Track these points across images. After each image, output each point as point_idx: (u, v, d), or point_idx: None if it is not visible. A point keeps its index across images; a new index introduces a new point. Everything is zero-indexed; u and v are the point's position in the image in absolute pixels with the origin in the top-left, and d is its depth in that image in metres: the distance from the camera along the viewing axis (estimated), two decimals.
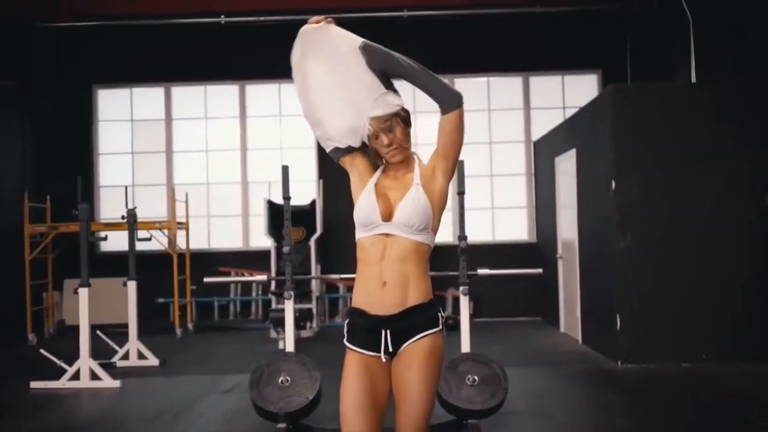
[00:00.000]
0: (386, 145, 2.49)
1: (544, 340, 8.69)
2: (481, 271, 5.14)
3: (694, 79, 8.21)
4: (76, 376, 6.45)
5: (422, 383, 2.45)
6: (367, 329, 2.50)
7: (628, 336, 6.78)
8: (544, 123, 10.32)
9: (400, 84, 2.60)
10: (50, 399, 6.11)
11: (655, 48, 9.84)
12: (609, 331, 7.04)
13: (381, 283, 2.47)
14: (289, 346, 5.06)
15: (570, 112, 9.53)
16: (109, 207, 10.80)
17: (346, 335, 2.56)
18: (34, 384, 6.45)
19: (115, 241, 9.61)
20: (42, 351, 6.75)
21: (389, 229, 2.47)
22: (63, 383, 6.40)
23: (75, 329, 9.33)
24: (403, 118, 2.51)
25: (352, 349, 2.53)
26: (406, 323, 2.46)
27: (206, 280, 5.25)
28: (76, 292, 6.53)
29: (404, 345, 2.48)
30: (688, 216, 6.82)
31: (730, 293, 6.73)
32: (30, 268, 9.50)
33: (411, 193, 2.47)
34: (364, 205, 2.50)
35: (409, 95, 2.87)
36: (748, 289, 6.72)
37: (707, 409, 5.30)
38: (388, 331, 2.48)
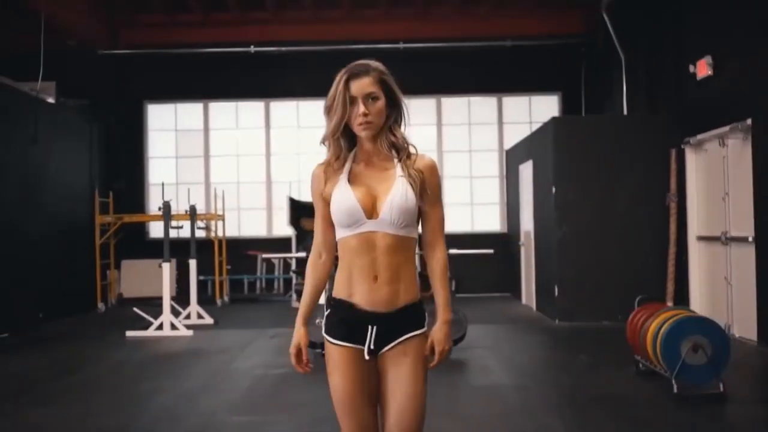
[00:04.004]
0: (361, 114, 2.28)
1: (508, 309, 11.11)
2: (450, 251, 7.59)
3: (625, 108, 10.58)
4: (159, 327, 8.83)
5: (416, 386, 2.30)
6: (351, 323, 2.32)
7: (563, 301, 9.21)
8: (514, 135, 12.66)
9: None
10: (144, 342, 8.49)
11: (601, 78, 12.21)
12: (550, 298, 9.49)
13: (372, 277, 2.29)
14: (321, 300, 7.45)
15: (535, 127, 11.80)
16: (156, 201, 13.09)
17: (325, 327, 2.37)
18: (129, 333, 8.84)
19: (159, 230, 11.98)
20: (135, 309, 9.16)
21: (375, 227, 2.30)
22: (150, 332, 8.78)
23: (131, 300, 11.90)
24: (389, 96, 2.35)
25: (333, 343, 2.34)
26: (394, 323, 2.31)
27: (264, 255, 7.62)
28: (160, 266, 8.86)
29: (389, 345, 2.32)
30: (607, 213, 9.24)
31: (637, 270, 9.11)
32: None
33: (397, 189, 2.31)
34: (343, 203, 2.30)
35: None
36: (650, 266, 9.12)
37: (605, 346, 7.70)
38: (374, 328, 2.30)
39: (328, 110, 2.34)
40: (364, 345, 2.30)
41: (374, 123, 2.31)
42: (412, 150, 2.38)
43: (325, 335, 2.36)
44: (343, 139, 2.37)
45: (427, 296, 2.42)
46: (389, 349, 2.32)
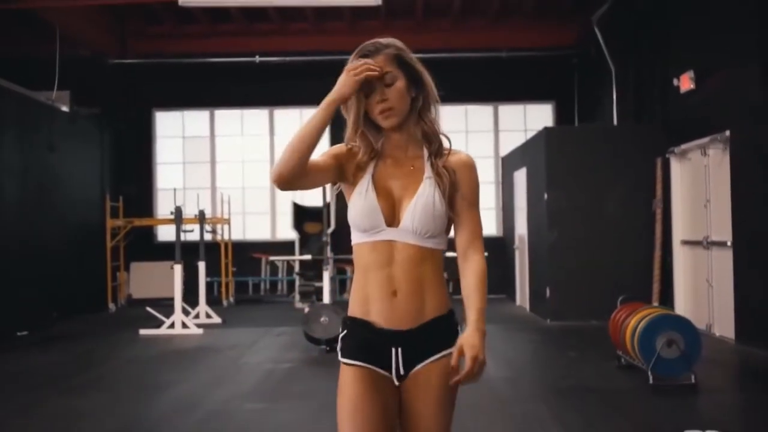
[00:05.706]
0: (378, 102, 1.99)
1: (503, 310, 11.56)
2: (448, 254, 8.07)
3: (615, 118, 11.05)
4: (170, 326, 9.29)
5: (441, 417, 2.01)
6: (372, 344, 2.02)
7: (554, 302, 9.68)
8: (510, 142, 13.12)
9: None
10: (157, 340, 8.95)
11: (593, 87, 12.68)
12: (542, 299, 9.96)
13: (390, 292, 2.00)
14: (326, 300, 7.94)
15: (530, 134, 12.26)
16: (164, 205, 13.59)
17: (341, 351, 2.06)
18: (142, 331, 9.30)
19: (166, 233, 12.44)
20: (148, 308, 9.62)
21: (395, 236, 2.00)
22: (163, 330, 9.24)
23: (140, 301, 12.35)
24: (410, 74, 2.04)
25: (351, 364, 2.02)
26: (421, 340, 2.01)
27: (271, 258, 8.09)
28: (172, 268, 9.32)
29: (417, 366, 2.02)
30: (596, 218, 9.72)
31: (625, 272, 9.56)
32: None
33: (423, 193, 2.00)
34: (361, 206, 2.01)
35: None
36: (637, 269, 9.58)
37: (591, 344, 8.16)
38: (399, 350, 2.01)
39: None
40: (383, 367, 2.01)
41: (396, 108, 2.00)
42: (445, 143, 2.07)
43: (341, 359, 2.06)
44: (370, 131, 2.06)
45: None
46: (416, 371, 2.02)
